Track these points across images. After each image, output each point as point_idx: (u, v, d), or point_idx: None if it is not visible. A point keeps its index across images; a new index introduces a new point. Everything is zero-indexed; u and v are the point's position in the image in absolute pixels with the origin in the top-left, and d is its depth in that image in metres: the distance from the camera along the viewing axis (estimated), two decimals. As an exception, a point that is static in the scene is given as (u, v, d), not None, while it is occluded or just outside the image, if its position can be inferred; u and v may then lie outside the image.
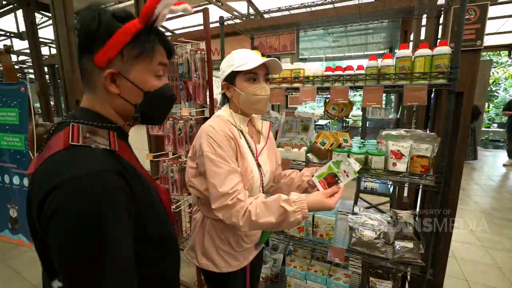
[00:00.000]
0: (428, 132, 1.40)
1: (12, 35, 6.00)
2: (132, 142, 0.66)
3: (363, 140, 1.62)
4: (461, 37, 1.06)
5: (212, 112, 1.73)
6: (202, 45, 1.72)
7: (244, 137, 0.98)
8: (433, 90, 1.49)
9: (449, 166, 1.30)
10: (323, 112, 1.58)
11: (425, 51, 1.14)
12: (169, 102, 0.65)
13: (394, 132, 1.38)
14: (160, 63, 0.59)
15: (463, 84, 1.27)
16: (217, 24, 1.75)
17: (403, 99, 1.21)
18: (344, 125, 6.78)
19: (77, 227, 0.42)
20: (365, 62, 1.34)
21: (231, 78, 0.95)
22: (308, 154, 1.55)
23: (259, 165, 1.00)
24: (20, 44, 7.38)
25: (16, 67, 9.10)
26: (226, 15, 3.06)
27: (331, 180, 0.94)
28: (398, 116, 3.07)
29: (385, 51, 7.08)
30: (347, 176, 0.93)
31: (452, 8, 1.30)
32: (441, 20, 1.53)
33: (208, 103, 1.75)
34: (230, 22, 1.71)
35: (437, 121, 1.47)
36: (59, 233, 0.43)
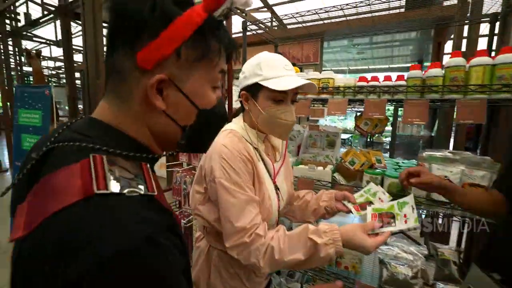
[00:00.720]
0: (478, 155, 1.19)
1: (51, 43, 6.44)
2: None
3: (398, 161, 1.42)
4: (531, 44, 0.87)
5: (229, 123, 1.62)
6: (223, 51, 1.63)
7: (261, 157, 0.84)
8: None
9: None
10: (354, 127, 1.42)
11: (484, 59, 0.95)
12: (222, 124, 0.49)
13: (438, 154, 1.18)
14: (221, 70, 0.44)
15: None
16: (240, 35, 1.66)
17: (438, 114, 1.02)
18: (368, 140, 6.45)
19: None
20: (395, 75, 1.17)
21: (254, 90, 0.79)
22: (334, 174, 1.37)
23: (277, 188, 0.86)
24: (58, 51, 7.94)
25: (53, 72, 9.76)
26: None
27: (386, 219, 0.78)
28: (432, 134, 2.80)
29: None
30: (405, 222, 0.75)
31: (513, 12, 1.12)
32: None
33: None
34: (253, 27, 1.62)
35: (492, 143, 1.26)
36: None
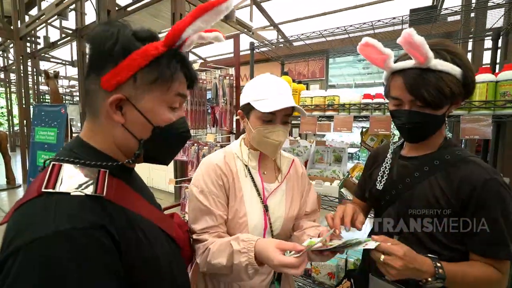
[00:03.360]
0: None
1: (66, 63, 6.80)
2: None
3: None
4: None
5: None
6: (231, 71, 1.70)
7: (250, 174, 0.85)
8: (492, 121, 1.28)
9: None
10: (360, 143, 1.43)
11: (487, 76, 0.97)
12: (180, 141, 0.56)
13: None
14: (178, 94, 0.51)
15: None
16: (248, 52, 1.74)
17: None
18: (376, 153, 6.37)
19: None
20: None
21: (247, 109, 0.82)
22: (341, 189, 1.38)
23: (266, 209, 0.84)
24: (73, 71, 8.35)
25: (67, 90, 10.17)
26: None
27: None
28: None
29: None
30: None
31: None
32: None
33: (234, 129, 1.69)
34: (262, 49, 1.69)
35: (500, 158, 1.24)
36: None
